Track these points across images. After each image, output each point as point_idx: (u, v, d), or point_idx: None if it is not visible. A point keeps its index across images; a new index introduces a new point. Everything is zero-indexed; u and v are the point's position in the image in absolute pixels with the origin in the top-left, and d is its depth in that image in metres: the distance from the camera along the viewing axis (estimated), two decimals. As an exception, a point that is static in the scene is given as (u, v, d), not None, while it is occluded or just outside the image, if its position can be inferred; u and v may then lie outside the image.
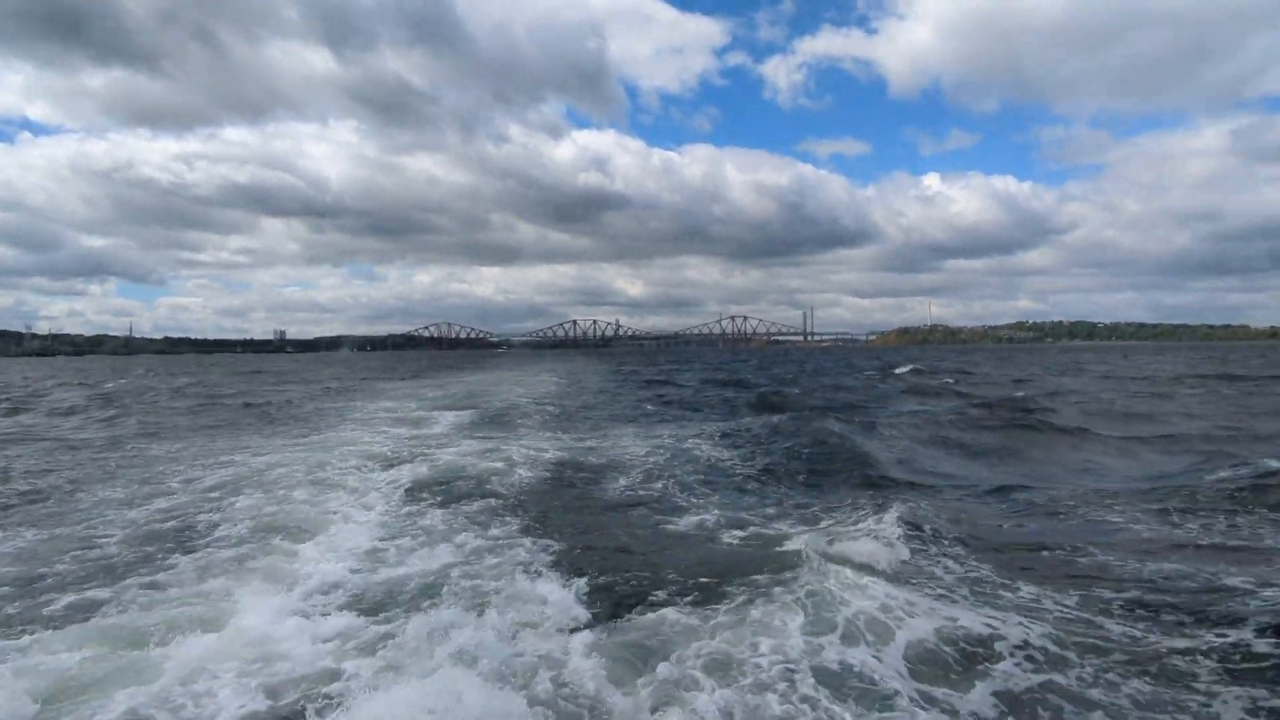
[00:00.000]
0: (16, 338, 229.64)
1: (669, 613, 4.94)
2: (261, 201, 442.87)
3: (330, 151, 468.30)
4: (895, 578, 5.54)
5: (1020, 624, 4.63)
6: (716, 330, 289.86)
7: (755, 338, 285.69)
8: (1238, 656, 4.18)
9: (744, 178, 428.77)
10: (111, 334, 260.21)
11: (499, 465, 10.41)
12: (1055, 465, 11.78)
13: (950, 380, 32.48)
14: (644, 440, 13.59)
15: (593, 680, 4.04)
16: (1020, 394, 23.82)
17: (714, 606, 5.09)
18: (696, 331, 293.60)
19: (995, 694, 3.91)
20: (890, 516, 7.08)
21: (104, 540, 6.84)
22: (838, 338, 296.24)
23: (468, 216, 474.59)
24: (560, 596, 5.26)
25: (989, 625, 4.61)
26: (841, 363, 63.23)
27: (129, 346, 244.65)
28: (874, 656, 4.22)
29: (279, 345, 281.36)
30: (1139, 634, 4.56)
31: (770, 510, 8.16)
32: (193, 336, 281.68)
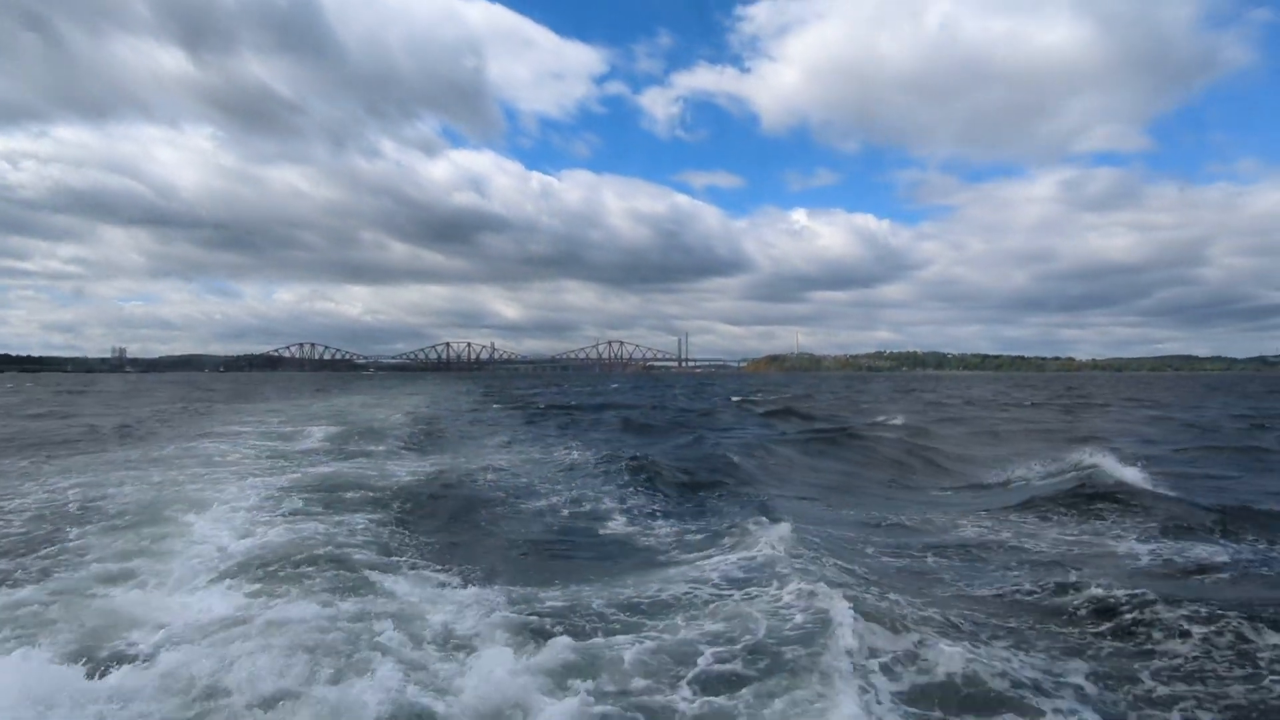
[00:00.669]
0: None
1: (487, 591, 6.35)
2: (100, 208, 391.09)
3: (182, 158, 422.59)
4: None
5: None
6: (594, 355, 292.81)
7: (631, 363, 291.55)
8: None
9: (622, 204, 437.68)
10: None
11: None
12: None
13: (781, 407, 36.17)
14: (509, 454, 14.85)
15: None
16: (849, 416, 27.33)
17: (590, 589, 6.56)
18: (574, 356, 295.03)
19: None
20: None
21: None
22: (711, 363, 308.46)
23: (336, 233, 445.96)
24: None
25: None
26: (706, 388, 67.42)
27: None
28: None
29: (117, 364, 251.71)
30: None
31: (609, 504, 9.77)
32: (13, 353, 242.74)
